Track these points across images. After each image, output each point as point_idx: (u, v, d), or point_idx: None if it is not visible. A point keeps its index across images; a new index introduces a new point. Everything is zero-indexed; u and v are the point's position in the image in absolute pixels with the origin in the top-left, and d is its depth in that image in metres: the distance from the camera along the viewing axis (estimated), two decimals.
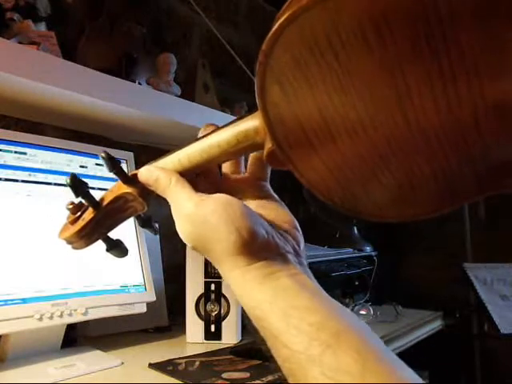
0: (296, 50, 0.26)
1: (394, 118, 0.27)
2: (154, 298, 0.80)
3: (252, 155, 0.38)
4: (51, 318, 0.64)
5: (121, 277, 0.77)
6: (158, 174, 0.37)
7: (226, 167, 0.40)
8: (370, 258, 1.25)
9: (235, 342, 0.82)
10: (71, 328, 0.76)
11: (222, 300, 0.83)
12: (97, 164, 0.79)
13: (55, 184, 0.72)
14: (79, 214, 0.40)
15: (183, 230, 0.34)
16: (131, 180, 0.38)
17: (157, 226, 0.44)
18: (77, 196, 0.38)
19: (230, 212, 0.32)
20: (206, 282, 0.83)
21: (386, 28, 0.24)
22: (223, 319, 0.83)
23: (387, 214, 0.33)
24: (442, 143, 0.27)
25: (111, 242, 0.42)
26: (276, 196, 0.39)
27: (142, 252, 0.82)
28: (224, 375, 0.63)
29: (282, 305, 0.29)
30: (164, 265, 1.00)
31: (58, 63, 0.68)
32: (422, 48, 0.24)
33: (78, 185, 0.38)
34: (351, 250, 1.27)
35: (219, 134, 0.35)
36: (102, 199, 0.40)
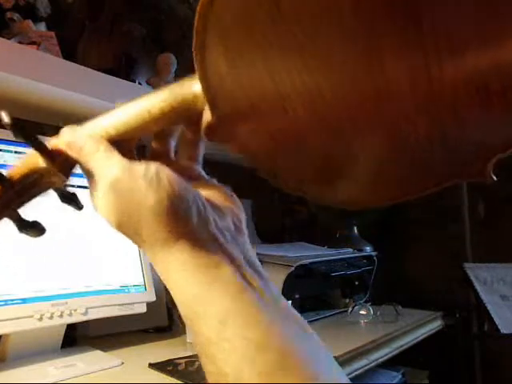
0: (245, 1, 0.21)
1: (363, 90, 0.23)
2: (154, 298, 0.80)
3: (183, 138, 0.34)
4: (51, 317, 0.64)
5: (121, 277, 0.77)
6: (85, 141, 0.30)
7: (156, 150, 0.35)
8: (370, 258, 1.25)
9: None
10: (71, 328, 0.76)
11: None
12: None
13: None
14: None
15: (107, 201, 0.28)
16: (49, 151, 0.32)
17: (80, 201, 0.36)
18: None
19: (161, 177, 0.27)
20: None
21: None
22: None
23: (346, 198, 0.29)
24: (414, 120, 0.24)
25: (23, 223, 0.35)
26: (207, 177, 0.34)
27: (142, 252, 0.82)
28: None
29: (217, 309, 0.24)
30: None
31: (58, 63, 0.68)
32: (398, 14, 0.20)
33: None
34: (351, 250, 1.27)
35: (150, 99, 0.30)
36: (14, 173, 0.33)
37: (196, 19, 0.23)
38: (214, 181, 0.34)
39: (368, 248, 1.32)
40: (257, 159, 0.28)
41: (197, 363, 0.69)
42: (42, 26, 0.78)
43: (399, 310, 1.10)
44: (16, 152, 0.68)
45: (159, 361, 0.69)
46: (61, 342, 0.72)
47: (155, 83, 0.92)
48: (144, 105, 0.30)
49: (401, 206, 1.48)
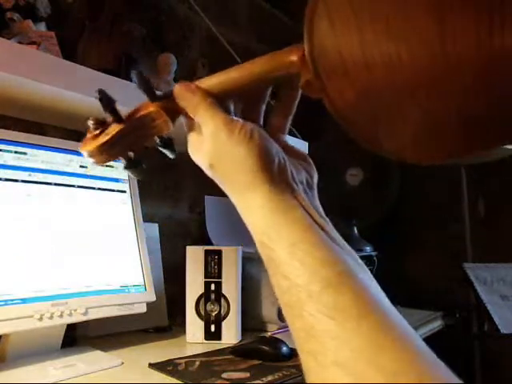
0: None
1: (434, 56, 0.27)
2: (154, 298, 0.80)
3: (275, 111, 0.40)
4: (51, 317, 0.64)
5: (121, 277, 0.77)
6: (196, 93, 0.38)
7: (248, 117, 0.41)
8: (370, 258, 1.25)
9: (235, 342, 0.82)
10: (71, 328, 0.76)
11: (222, 300, 0.83)
12: None
13: (55, 184, 0.72)
14: (102, 129, 0.41)
15: (206, 146, 0.35)
16: (159, 98, 0.39)
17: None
18: (105, 110, 0.39)
19: (254, 133, 0.33)
20: (205, 282, 0.83)
21: None
22: (223, 319, 0.83)
23: (405, 153, 0.33)
24: (475, 83, 0.27)
25: (130, 161, 0.42)
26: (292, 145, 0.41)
27: (142, 252, 0.82)
28: (224, 375, 0.63)
29: (290, 235, 0.30)
30: (164, 265, 1.00)
31: (58, 63, 0.68)
32: None
33: (106, 99, 0.38)
34: None
35: (256, 62, 0.37)
36: (129, 115, 0.40)
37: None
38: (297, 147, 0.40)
39: (368, 248, 1.32)
40: (341, 113, 0.33)
41: (197, 363, 0.69)
42: (42, 26, 0.78)
43: (399, 310, 1.10)
44: (16, 152, 0.68)
45: (159, 361, 0.69)
46: (61, 341, 0.72)
47: (155, 83, 0.92)
48: (251, 67, 0.37)
49: (401, 206, 1.49)
